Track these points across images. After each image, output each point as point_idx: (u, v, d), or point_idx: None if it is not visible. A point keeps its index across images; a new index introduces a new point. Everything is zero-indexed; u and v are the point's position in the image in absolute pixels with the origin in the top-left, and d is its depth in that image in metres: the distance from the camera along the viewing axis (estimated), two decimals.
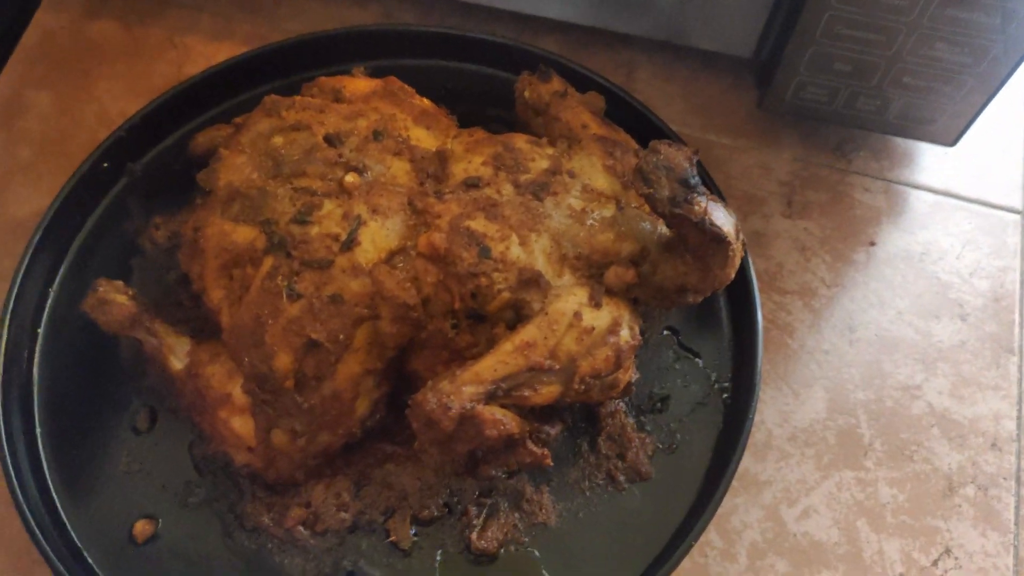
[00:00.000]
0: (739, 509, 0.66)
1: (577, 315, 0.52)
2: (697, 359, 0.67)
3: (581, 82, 0.70)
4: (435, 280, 0.53)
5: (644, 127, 0.73)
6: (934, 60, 0.70)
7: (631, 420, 0.63)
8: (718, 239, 0.51)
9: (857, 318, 0.75)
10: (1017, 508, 0.68)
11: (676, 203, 0.50)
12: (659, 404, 0.64)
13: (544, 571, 0.58)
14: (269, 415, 0.54)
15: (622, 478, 0.61)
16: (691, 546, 0.57)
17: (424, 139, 0.58)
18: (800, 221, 0.80)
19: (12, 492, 0.58)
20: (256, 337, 0.52)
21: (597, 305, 0.53)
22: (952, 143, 0.79)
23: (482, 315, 0.53)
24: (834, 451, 0.69)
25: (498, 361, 0.51)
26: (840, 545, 0.66)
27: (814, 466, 0.68)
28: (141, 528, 0.58)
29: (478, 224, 0.53)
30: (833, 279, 0.77)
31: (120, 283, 0.60)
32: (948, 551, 0.66)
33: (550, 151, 0.57)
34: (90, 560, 0.57)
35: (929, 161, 0.84)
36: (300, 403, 0.53)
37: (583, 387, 0.53)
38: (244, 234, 0.54)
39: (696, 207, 0.50)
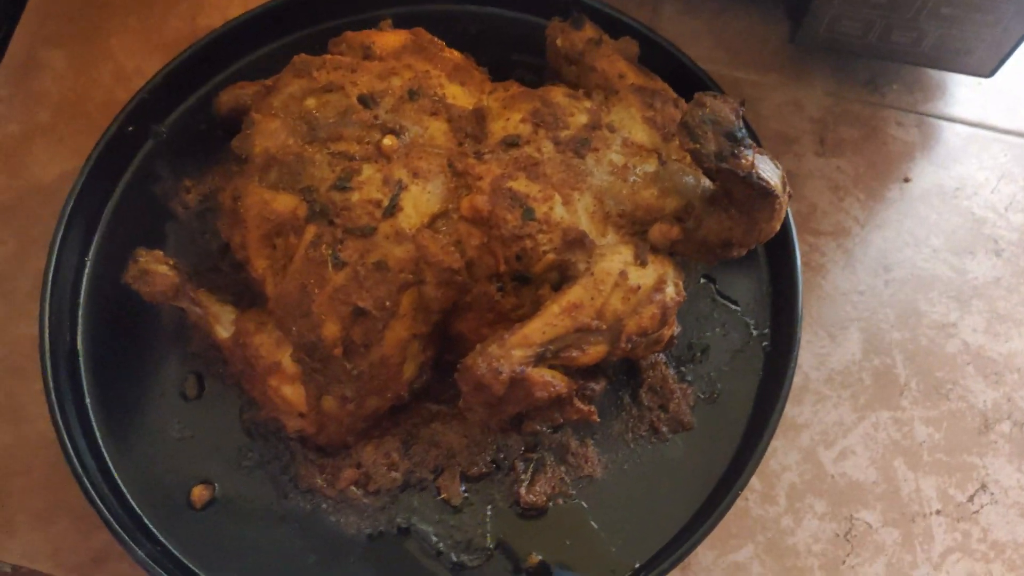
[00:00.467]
0: (778, 452, 0.67)
1: (623, 274, 0.52)
2: (735, 306, 0.67)
3: (607, 22, 0.69)
4: (479, 243, 0.53)
5: (673, 67, 0.71)
6: None
7: (671, 371, 0.63)
8: (765, 193, 0.50)
9: (891, 257, 0.75)
10: None
11: (722, 157, 0.49)
12: (699, 354, 0.65)
13: (592, 522, 0.59)
14: (319, 382, 0.54)
15: (665, 429, 0.62)
16: (737, 495, 0.58)
17: (460, 97, 0.56)
18: (833, 159, 0.79)
19: (69, 461, 0.59)
20: (303, 307, 0.52)
21: (642, 263, 0.52)
22: (989, 74, 0.77)
23: (527, 277, 0.53)
24: (870, 392, 0.70)
25: (546, 324, 0.51)
26: (878, 484, 0.67)
27: (851, 407, 0.69)
28: (199, 493, 0.60)
29: (520, 185, 0.53)
30: (867, 218, 0.76)
31: (159, 252, 0.60)
32: (984, 487, 0.67)
33: (588, 104, 0.56)
34: (151, 526, 0.59)
35: (963, 93, 0.82)
36: (349, 370, 0.53)
37: (629, 345, 0.54)
38: (285, 202, 0.53)
39: (743, 161, 0.49)
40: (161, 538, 0.58)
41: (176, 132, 0.71)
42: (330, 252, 0.52)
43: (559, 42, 0.61)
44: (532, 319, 0.52)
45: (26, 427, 0.68)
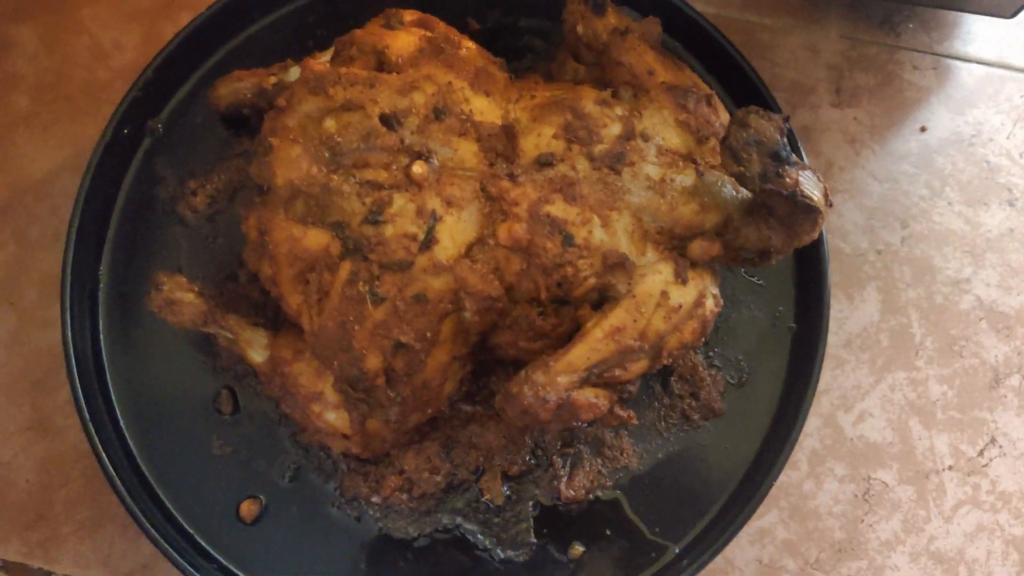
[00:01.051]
0: None
1: (664, 294, 0.52)
2: (760, 283, 0.67)
3: None
4: (519, 269, 0.52)
5: (685, 24, 0.68)
6: None
7: (700, 357, 0.64)
8: (808, 209, 0.49)
9: (908, 212, 0.75)
10: None
11: (767, 179, 0.48)
12: (726, 337, 0.65)
13: (630, 511, 0.62)
14: (363, 409, 0.54)
15: (696, 416, 0.63)
16: (772, 484, 0.60)
17: (486, 111, 0.53)
18: (849, 110, 0.77)
19: (116, 491, 0.59)
20: (344, 342, 0.52)
21: (683, 282, 0.52)
22: (1011, 16, 0.75)
23: (567, 300, 0.53)
24: (887, 353, 0.72)
25: (590, 348, 0.52)
26: (894, 444, 0.70)
27: (868, 370, 0.71)
28: (247, 508, 0.61)
29: (557, 209, 0.51)
30: (884, 173, 0.76)
31: (182, 279, 0.58)
32: (993, 440, 0.70)
33: (619, 111, 0.53)
34: (205, 544, 0.60)
35: (980, 29, 0.80)
36: (393, 397, 0.54)
37: (671, 359, 0.54)
38: (316, 239, 0.52)
39: (787, 179, 0.48)
40: (217, 556, 0.60)
41: (173, 127, 0.68)
42: (367, 288, 0.51)
43: (580, 29, 0.58)
44: (575, 344, 0.52)
45: (57, 440, 0.68)
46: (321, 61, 0.62)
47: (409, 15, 0.60)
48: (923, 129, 0.77)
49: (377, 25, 0.57)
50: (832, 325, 0.72)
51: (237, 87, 0.64)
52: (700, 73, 0.70)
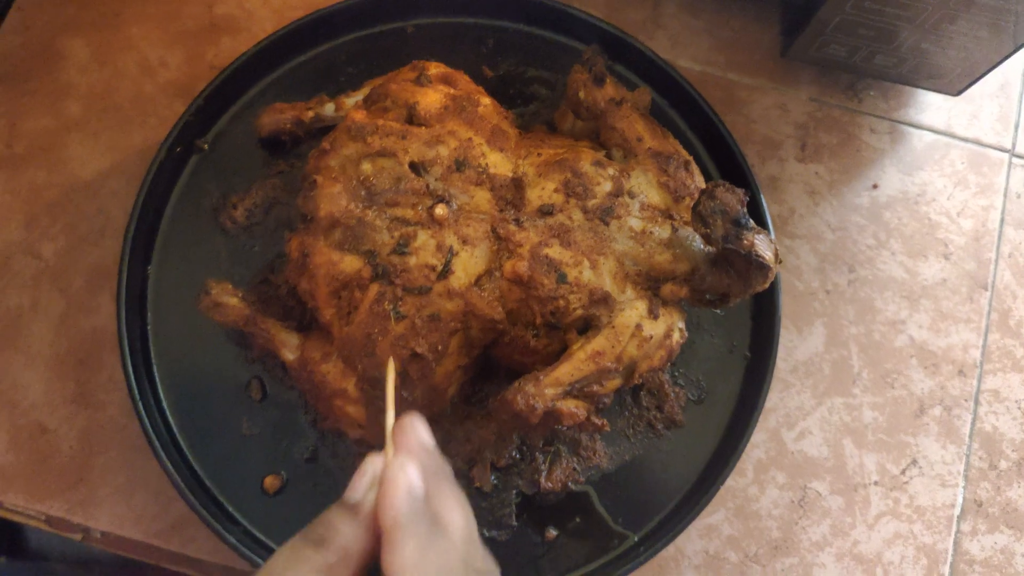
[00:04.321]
0: None
1: (639, 326, 0.62)
2: (721, 315, 0.77)
3: (612, 41, 0.75)
4: (518, 298, 0.62)
5: (672, 85, 0.79)
6: (954, 33, 0.75)
7: (667, 376, 0.75)
8: (761, 266, 0.59)
9: (856, 259, 0.86)
10: (973, 424, 0.83)
11: (728, 240, 0.58)
12: (689, 359, 0.76)
13: (598, 503, 0.72)
14: (379, 405, 0.64)
15: (660, 426, 0.74)
16: (719, 487, 0.71)
17: (500, 164, 0.63)
18: (812, 165, 0.88)
19: (164, 467, 0.69)
20: (368, 349, 0.61)
21: (655, 317, 0.62)
22: (956, 94, 0.85)
23: (557, 326, 0.63)
24: (828, 380, 0.83)
25: (574, 368, 0.62)
26: (828, 459, 0.81)
27: (811, 394, 0.82)
28: (270, 482, 0.71)
29: (554, 252, 0.61)
30: (837, 223, 0.86)
31: (228, 285, 0.67)
32: (914, 461, 0.82)
33: (611, 172, 0.64)
34: (232, 510, 0.70)
35: (931, 100, 0.90)
36: (405, 397, 0.63)
37: (640, 379, 0.64)
38: (350, 264, 0.61)
39: (744, 242, 0.58)
40: (243, 521, 0.70)
41: (217, 146, 0.77)
42: (391, 307, 0.60)
43: (581, 95, 0.68)
44: (562, 363, 0.62)
45: (98, 412, 0.78)
46: (354, 100, 0.71)
47: (434, 68, 0.69)
48: (875, 186, 0.88)
49: (408, 79, 0.66)
50: (782, 352, 0.82)
51: (279, 118, 0.73)
52: (683, 128, 0.80)
